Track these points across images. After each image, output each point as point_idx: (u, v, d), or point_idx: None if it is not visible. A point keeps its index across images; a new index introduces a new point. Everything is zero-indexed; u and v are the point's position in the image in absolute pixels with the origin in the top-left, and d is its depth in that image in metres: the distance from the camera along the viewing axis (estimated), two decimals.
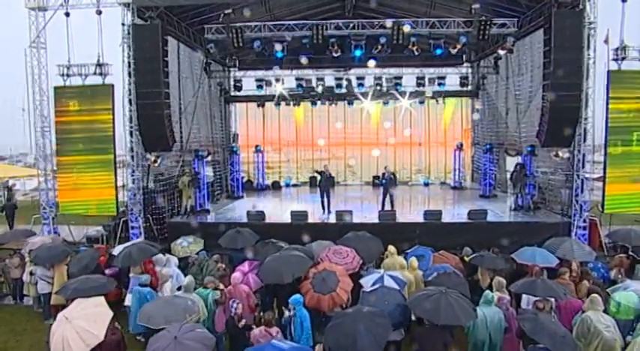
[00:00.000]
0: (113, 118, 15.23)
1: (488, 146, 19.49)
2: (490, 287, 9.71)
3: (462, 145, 22.12)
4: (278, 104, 23.11)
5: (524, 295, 8.70)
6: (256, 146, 22.71)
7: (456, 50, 16.11)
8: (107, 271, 10.87)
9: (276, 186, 22.96)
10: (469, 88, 22.89)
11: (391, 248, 10.63)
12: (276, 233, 13.97)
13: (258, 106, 23.17)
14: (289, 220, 15.36)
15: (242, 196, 20.42)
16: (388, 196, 16.46)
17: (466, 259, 10.82)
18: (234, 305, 7.95)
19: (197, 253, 11.10)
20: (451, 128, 23.87)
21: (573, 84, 13.74)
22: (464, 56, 22.81)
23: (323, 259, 9.96)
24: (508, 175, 19.37)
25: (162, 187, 16.55)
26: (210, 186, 20.38)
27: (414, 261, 9.96)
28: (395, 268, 9.95)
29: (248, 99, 23.35)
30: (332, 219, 15.69)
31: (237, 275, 9.11)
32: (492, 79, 21.59)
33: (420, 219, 15.28)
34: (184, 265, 10.82)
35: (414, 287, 9.48)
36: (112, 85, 15.30)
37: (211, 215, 16.96)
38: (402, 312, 7.57)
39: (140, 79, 14.61)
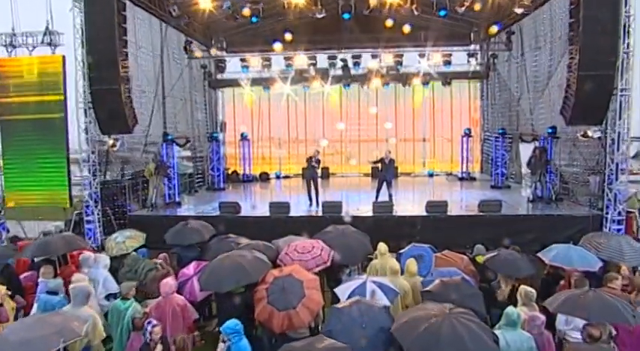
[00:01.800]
0: (65, 95, 12.80)
1: (500, 131, 16.81)
2: (511, 298, 7.22)
3: (470, 131, 19.44)
4: (267, 88, 20.60)
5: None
6: (242, 134, 20.18)
7: (463, 8, 13.42)
8: (24, 275, 8.43)
9: (264, 178, 20.44)
10: (478, 69, 20.19)
11: (381, 246, 8.07)
12: (250, 228, 11.72)
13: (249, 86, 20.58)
14: (268, 213, 12.87)
15: (223, 188, 17.94)
16: (385, 184, 13.84)
17: (479, 260, 8.21)
18: (149, 328, 5.46)
19: (135, 251, 8.58)
20: (458, 114, 21.15)
21: (606, 47, 11.07)
22: (472, 35, 20.10)
23: (283, 259, 7.45)
24: (523, 163, 16.79)
25: (130, 176, 14.21)
26: (189, 177, 17.99)
27: (412, 264, 7.40)
28: (384, 272, 7.41)
29: (234, 83, 20.84)
30: (319, 211, 13.18)
31: (168, 283, 6.62)
32: (504, 57, 18.91)
33: (422, 212, 12.71)
34: (119, 266, 8.33)
35: (410, 299, 6.93)
36: (63, 57, 12.88)
37: (182, 208, 14.51)
38: (387, 341, 5.01)
39: (93, 48, 12.18)
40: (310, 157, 14.43)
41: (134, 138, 14.48)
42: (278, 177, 21.18)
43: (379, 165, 14.07)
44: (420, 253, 8.14)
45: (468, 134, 19.34)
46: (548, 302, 5.66)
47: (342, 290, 6.33)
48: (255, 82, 20.59)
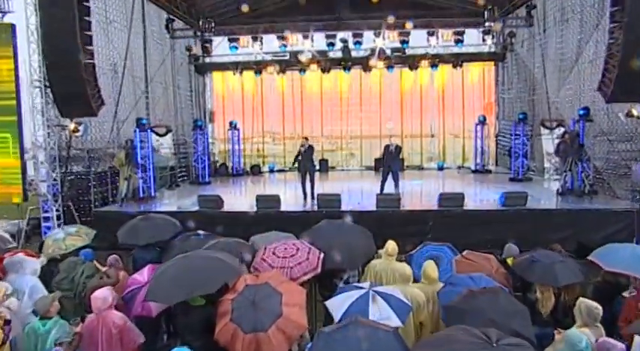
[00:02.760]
0: (16, 69, 11.21)
1: (521, 116, 15.15)
2: (555, 311, 5.68)
3: (484, 119, 17.80)
4: (259, 72, 19.01)
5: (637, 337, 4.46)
6: (230, 122, 18.58)
7: None
8: None
9: (256, 171, 18.83)
10: (493, 49, 18.56)
11: (390, 245, 6.44)
12: (233, 225, 10.24)
13: (239, 70, 18.98)
14: (255, 208, 11.28)
15: (209, 182, 16.34)
16: (391, 175, 12.25)
17: (511, 263, 6.58)
18: None
19: (78, 252, 6.96)
20: (470, 100, 19.50)
21: None
22: (485, 14, 18.44)
23: (258, 266, 5.86)
24: (547, 151, 15.24)
25: (97, 167, 12.70)
26: (170, 170, 16.44)
27: (431, 267, 5.77)
28: (391, 279, 5.82)
29: (223, 67, 19.25)
30: (314, 206, 11.60)
31: (100, 295, 5.02)
32: (522, 35, 17.28)
33: (434, 205, 11.11)
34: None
35: (425, 314, 5.33)
36: (13, 26, 11.28)
37: (158, 203, 12.92)
38: None
39: (47, 14, 10.60)
40: (301, 145, 12.83)
41: (103, 124, 12.97)
42: (272, 170, 19.58)
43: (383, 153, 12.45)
44: (436, 255, 6.53)
45: (482, 122, 17.70)
46: (634, 328, 4.01)
47: (336, 305, 4.73)
48: (245, 66, 19.03)
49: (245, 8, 16.44)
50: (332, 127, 20.08)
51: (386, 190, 12.21)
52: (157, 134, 15.13)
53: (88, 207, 12.35)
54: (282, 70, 18.89)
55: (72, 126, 11.50)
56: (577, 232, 10.11)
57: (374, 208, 11.31)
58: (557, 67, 14.73)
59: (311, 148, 12.72)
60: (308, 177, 12.70)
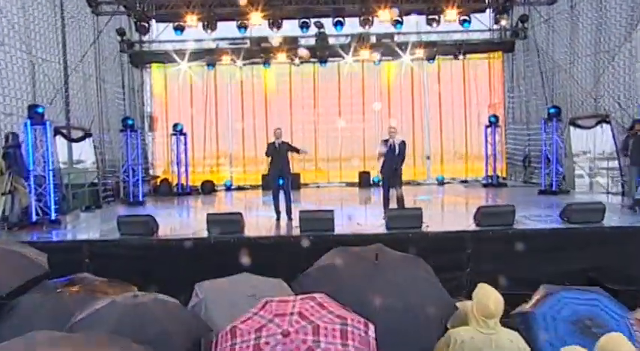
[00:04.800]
0: None
1: (552, 110, 12.35)
2: None
3: (496, 119, 15.00)
4: (210, 64, 15.66)
5: None
6: (175, 126, 14.98)
7: None
8: None
9: (208, 189, 15.19)
10: (505, 37, 16.03)
11: (487, 296, 3.15)
12: (171, 259, 7.28)
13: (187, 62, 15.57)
14: (205, 233, 7.79)
15: (143, 202, 12.64)
16: (395, 180, 9.07)
17: None
18: None
19: None
20: (473, 99, 16.76)
21: None
22: None
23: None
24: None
25: None
26: (91, 186, 12.69)
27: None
28: None
29: (166, 57, 15.79)
30: (294, 228, 8.22)
31: None
32: (540, 17, 14.75)
33: (468, 225, 7.97)
34: None
35: None
36: None
37: (58, 230, 9.12)
38: None
39: None
40: (272, 143, 9.51)
41: None
42: (228, 188, 16.02)
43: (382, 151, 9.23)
44: (588, 312, 3.26)
45: (493, 124, 14.88)
46: None
47: None
48: (195, 56, 15.65)
49: None
50: (303, 134, 16.81)
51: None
52: (68, 138, 11.49)
53: None
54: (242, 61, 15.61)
55: None
56: None
57: (383, 230, 8.04)
58: (595, 49, 12.14)
59: (286, 144, 9.41)
60: (283, 187, 9.35)
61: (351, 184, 16.42)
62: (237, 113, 16.80)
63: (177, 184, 14.72)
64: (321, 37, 15.57)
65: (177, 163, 14.67)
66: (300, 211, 8.08)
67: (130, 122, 12.86)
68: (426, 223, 8.08)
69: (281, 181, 9.20)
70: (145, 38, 15.85)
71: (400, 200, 9.02)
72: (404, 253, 4.41)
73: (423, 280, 3.90)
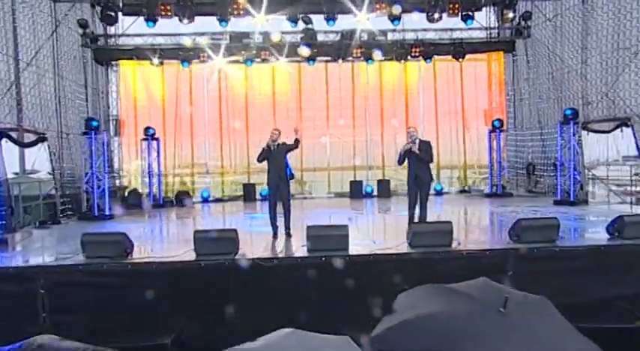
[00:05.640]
0: None
1: (568, 112, 11.49)
2: None
3: (501, 123, 14.12)
4: (185, 61, 14.30)
5: None
6: (146, 130, 13.51)
7: None
8: None
9: (183, 201, 13.72)
10: (505, 36, 15.26)
11: None
12: (155, 287, 6.09)
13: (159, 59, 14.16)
14: (192, 257, 6.45)
15: (110, 216, 11.14)
16: (417, 189, 7.89)
17: None
18: None
19: None
20: (472, 103, 15.86)
21: None
22: None
23: None
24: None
25: None
26: (47, 198, 11.13)
27: None
28: None
29: (135, 53, 14.36)
30: (296, 247, 6.96)
31: None
32: (546, 14, 14.03)
33: (507, 242, 6.91)
34: None
35: None
36: None
37: (8, 253, 7.61)
38: None
39: None
40: (267, 146, 8.30)
41: None
42: (206, 200, 14.58)
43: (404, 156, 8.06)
44: None
45: (498, 128, 14.00)
46: None
47: None
48: (168, 52, 14.29)
49: None
50: (288, 139, 15.49)
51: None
52: (18, 143, 9.96)
53: None
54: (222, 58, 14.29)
55: None
56: None
57: (404, 249, 6.89)
58: (612, 46, 11.40)
59: (284, 146, 8.20)
60: (279, 197, 8.11)
61: (341, 195, 15.27)
62: (215, 116, 15.42)
63: (148, 195, 13.22)
64: (309, 33, 14.46)
65: (149, 172, 13.19)
66: (309, 227, 6.83)
67: (94, 124, 11.35)
68: (457, 240, 6.97)
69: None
70: (112, 31, 14.39)
71: (423, 210, 7.87)
72: (526, 293, 3.20)
73: (566, 332, 2.73)
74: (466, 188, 15.48)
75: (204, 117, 15.43)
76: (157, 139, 13.56)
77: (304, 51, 13.96)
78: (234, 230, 6.73)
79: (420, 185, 7.85)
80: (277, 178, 8.11)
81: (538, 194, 14.05)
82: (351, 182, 15.00)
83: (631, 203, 11.06)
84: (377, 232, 9.39)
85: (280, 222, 8.13)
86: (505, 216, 10.13)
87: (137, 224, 10.43)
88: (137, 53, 14.31)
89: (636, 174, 10.95)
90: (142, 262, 6.37)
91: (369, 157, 15.76)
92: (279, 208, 8.16)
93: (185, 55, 14.32)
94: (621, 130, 11.35)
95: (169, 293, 6.14)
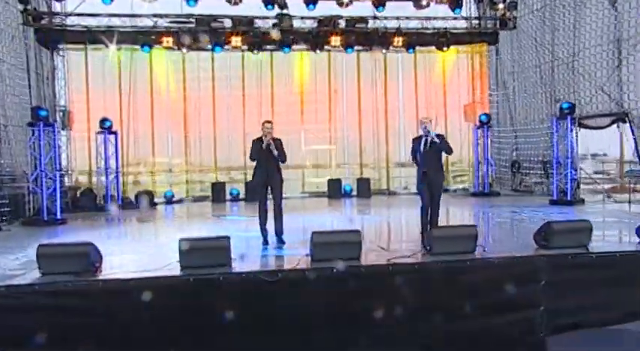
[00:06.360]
0: None
1: (565, 105, 11.10)
2: None
3: (488, 119, 13.68)
4: (146, 45, 13.08)
5: None
6: (102, 122, 12.15)
7: None
8: None
9: (144, 202, 12.45)
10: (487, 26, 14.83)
11: None
12: (133, 310, 5.15)
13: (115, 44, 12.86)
14: (176, 271, 5.44)
15: (62, 221, 9.84)
16: (429, 188, 7.10)
17: None
18: None
19: None
20: (455, 97, 15.38)
21: None
22: None
23: None
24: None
25: None
26: None
27: None
28: None
29: (85, 36, 12.99)
30: (298, 257, 6.04)
31: None
32: (530, 6, 13.70)
33: (533, 248, 6.28)
34: None
35: None
36: None
37: None
38: None
39: None
40: (258, 140, 7.39)
41: None
42: (170, 201, 13.39)
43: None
44: None
45: (485, 124, 13.55)
46: None
47: None
48: (126, 35, 13.01)
49: None
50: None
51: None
52: None
53: None
54: (187, 45, 13.17)
55: None
56: None
57: (425, 256, 6.14)
58: (609, 37, 11.11)
59: (279, 142, 7.27)
60: (270, 198, 7.20)
61: (317, 195, 14.43)
62: (179, 108, 14.22)
63: (105, 196, 11.92)
64: (283, 18, 13.54)
65: (106, 170, 11.88)
66: (314, 233, 5.95)
67: (42, 114, 9.96)
68: (482, 246, 6.27)
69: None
70: (58, 8, 12.93)
71: (434, 212, 7.12)
72: None
73: None
74: (449, 187, 14.96)
75: (166, 108, 14.19)
76: (114, 133, 12.25)
77: (274, 33, 13.06)
78: (227, 238, 5.77)
79: (432, 185, 7.09)
80: (266, 178, 7.18)
81: (525, 193, 13.72)
82: (329, 181, 14.21)
83: (629, 202, 10.78)
84: (380, 237, 8.56)
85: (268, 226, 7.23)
86: (509, 217, 9.60)
87: (97, 231, 9.21)
88: (89, 36, 12.94)
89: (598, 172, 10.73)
90: (116, 278, 5.31)
91: (346, 155, 15.03)
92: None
93: (145, 39, 13.10)
94: (617, 126, 11.11)
95: (152, 317, 5.13)
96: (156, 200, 12.82)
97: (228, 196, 13.60)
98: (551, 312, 5.84)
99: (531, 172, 13.75)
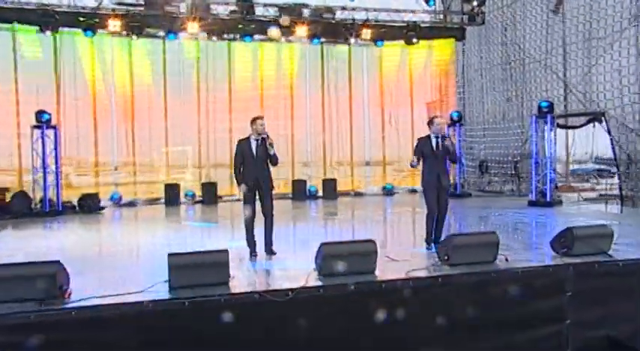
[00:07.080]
0: None
1: (543, 104, 10.99)
2: None
3: (460, 116, 13.47)
4: (89, 31, 11.83)
5: None
6: (39, 114, 10.74)
7: None
8: None
9: (90, 206, 11.19)
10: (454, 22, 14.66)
11: None
12: (116, 346, 4.31)
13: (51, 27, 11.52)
14: (164, 292, 4.60)
15: None
16: (437, 192, 6.61)
17: None
18: None
19: None
20: (420, 94, 15.09)
21: None
22: None
23: None
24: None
25: None
26: None
27: None
28: None
29: (18, 17, 11.56)
30: (303, 272, 5.28)
31: None
32: (497, 2, 13.67)
33: (549, 255, 5.95)
34: None
35: None
36: None
37: None
38: None
39: None
40: (244, 140, 6.60)
41: None
42: (117, 203, 12.18)
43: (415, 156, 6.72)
44: None
45: (457, 122, 13.33)
46: None
47: None
48: (67, 17, 11.69)
49: None
50: (215, 134, 13.62)
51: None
52: None
53: None
54: (136, 31, 12.05)
55: None
56: None
57: (444, 268, 5.62)
58: (584, 36, 11.17)
59: (265, 141, 6.45)
60: (259, 203, 6.44)
61: (279, 197, 13.66)
62: (125, 101, 13.00)
63: (43, 200, 10.57)
64: (245, 5, 12.72)
65: (44, 169, 10.54)
66: (324, 244, 5.27)
67: None
68: (504, 255, 5.83)
69: None
70: None
71: (442, 216, 6.66)
72: None
73: None
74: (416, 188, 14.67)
75: (111, 100, 12.93)
76: (53, 128, 10.90)
77: (274, 33, 12.43)
78: (225, 251, 4.97)
79: (441, 190, 6.62)
80: (256, 180, 6.40)
81: (494, 194, 13.65)
82: (293, 182, 13.48)
83: (606, 203, 10.88)
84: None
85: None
86: (499, 221, 9.27)
87: (43, 240, 8.03)
88: (23, 16, 11.51)
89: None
90: (92, 305, 4.38)
91: (309, 154, 14.40)
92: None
93: (88, 22, 11.84)
94: (593, 126, 11.18)
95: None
96: (102, 204, 11.58)
97: (182, 199, 12.60)
98: (578, 327, 5.52)
99: (500, 172, 13.70)
